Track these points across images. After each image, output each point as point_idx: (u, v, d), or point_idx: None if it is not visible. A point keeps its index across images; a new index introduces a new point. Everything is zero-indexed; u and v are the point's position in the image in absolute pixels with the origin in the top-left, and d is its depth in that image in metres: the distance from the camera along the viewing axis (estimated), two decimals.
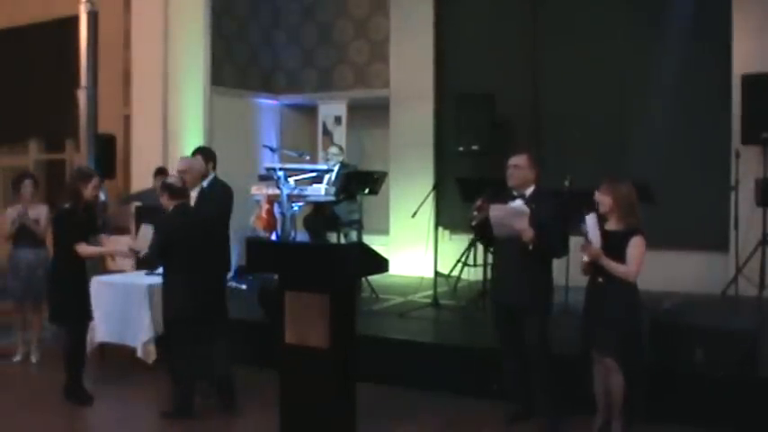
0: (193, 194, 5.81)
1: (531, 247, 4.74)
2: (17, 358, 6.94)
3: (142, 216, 8.02)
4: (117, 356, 6.76)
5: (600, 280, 4.71)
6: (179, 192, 5.50)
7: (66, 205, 5.85)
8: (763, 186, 7.17)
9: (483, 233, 5.19)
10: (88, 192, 5.91)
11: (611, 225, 4.77)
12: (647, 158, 8.23)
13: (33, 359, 6.95)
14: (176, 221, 5.43)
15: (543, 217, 4.78)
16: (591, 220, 4.71)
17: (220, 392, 5.59)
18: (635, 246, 4.65)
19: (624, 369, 4.68)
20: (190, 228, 5.42)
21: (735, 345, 5.18)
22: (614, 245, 4.67)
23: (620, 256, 4.65)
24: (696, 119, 8.16)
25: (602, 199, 4.77)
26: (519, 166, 4.96)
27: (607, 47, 8.65)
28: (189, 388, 5.46)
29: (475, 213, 5.03)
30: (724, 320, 6.46)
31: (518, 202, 4.92)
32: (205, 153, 6.13)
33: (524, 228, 4.72)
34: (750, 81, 7.44)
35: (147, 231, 5.64)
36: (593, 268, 4.73)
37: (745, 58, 7.75)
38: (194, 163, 5.93)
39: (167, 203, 5.48)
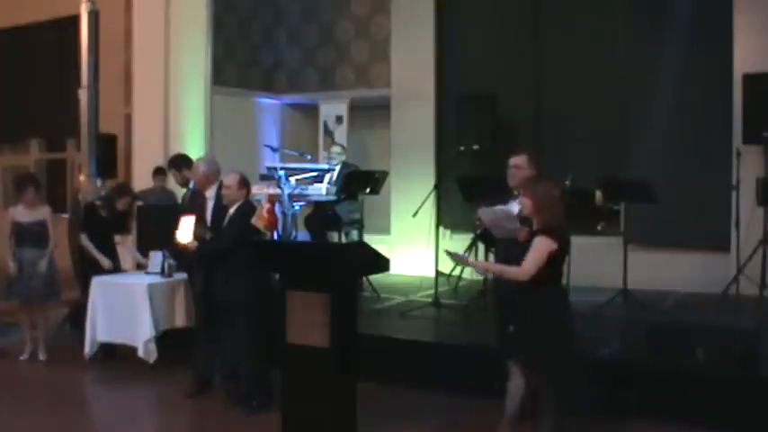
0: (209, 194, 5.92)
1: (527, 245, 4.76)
2: (24, 356, 6.94)
3: (145, 214, 8.05)
4: (117, 356, 6.77)
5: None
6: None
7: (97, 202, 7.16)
8: (764, 186, 7.16)
9: (488, 239, 5.24)
10: (120, 204, 7.13)
11: (535, 226, 4.58)
12: (648, 158, 8.24)
13: (41, 357, 6.94)
14: (251, 215, 5.64)
15: None
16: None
17: (252, 389, 5.57)
18: (535, 244, 4.35)
19: (541, 376, 4.48)
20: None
21: (735, 344, 5.18)
22: (526, 246, 4.47)
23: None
24: (697, 118, 8.15)
25: (524, 201, 4.54)
26: (519, 166, 5.00)
27: (608, 47, 8.65)
28: (265, 376, 5.53)
29: (477, 222, 5.09)
30: (724, 320, 6.47)
31: (510, 205, 4.95)
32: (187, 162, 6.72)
33: (517, 227, 4.75)
34: (751, 80, 7.43)
35: (188, 222, 5.76)
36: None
37: (747, 57, 7.74)
38: (210, 164, 6.05)
39: (242, 198, 5.65)
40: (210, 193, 5.89)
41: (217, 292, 5.63)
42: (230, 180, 5.68)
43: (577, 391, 4.45)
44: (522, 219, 4.69)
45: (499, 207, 4.96)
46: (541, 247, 4.32)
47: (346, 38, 10.84)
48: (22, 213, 6.91)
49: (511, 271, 4.41)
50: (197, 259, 5.84)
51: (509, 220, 4.82)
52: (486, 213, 4.94)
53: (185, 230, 5.78)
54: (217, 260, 5.63)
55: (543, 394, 4.49)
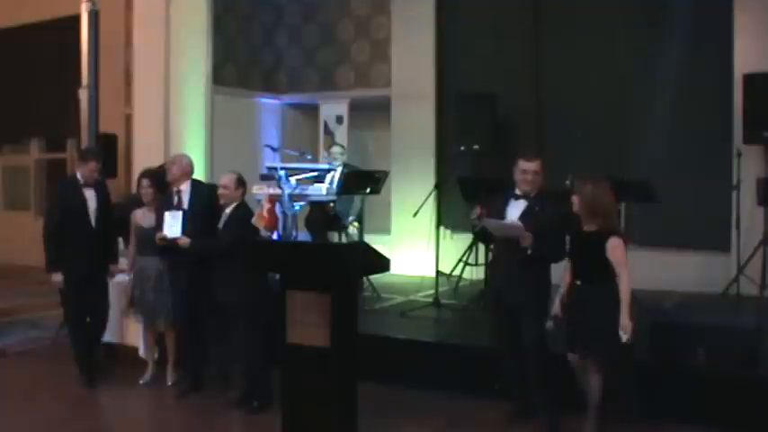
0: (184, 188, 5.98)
1: (529, 252, 4.76)
2: (145, 379, 6.27)
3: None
4: (117, 356, 6.77)
5: (578, 283, 4.71)
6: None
7: None
8: (764, 186, 7.17)
9: (486, 237, 5.22)
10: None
11: (585, 226, 4.72)
12: (648, 158, 8.24)
13: (169, 382, 6.19)
14: (248, 216, 5.66)
15: (545, 221, 4.79)
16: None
17: (252, 389, 5.58)
18: (615, 248, 4.58)
19: (611, 369, 4.66)
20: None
21: (735, 344, 5.18)
22: (588, 246, 4.66)
23: (593, 257, 4.63)
24: (697, 118, 8.15)
25: (574, 199, 4.73)
26: (538, 172, 4.97)
27: (609, 47, 8.65)
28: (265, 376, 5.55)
29: (476, 222, 5.05)
30: (725, 320, 6.47)
31: (511, 205, 4.95)
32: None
33: (521, 234, 4.75)
34: (751, 80, 7.44)
35: (172, 217, 5.76)
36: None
37: (747, 57, 7.75)
38: (182, 157, 6.15)
39: (239, 198, 5.66)
40: (185, 187, 5.95)
41: (217, 293, 5.63)
42: (227, 180, 5.68)
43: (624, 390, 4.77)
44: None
45: (506, 222, 4.95)
46: (622, 248, 4.61)
47: (346, 38, 10.84)
48: (144, 216, 6.14)
49: (624, 289, 4.62)
50: (185, 257, 5.80)
51: (514, 229, 4.84)
52: (490, 223, 4.94)
53: (172, 225, 5.76)
54: (216, 261, 5.63)
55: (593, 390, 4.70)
